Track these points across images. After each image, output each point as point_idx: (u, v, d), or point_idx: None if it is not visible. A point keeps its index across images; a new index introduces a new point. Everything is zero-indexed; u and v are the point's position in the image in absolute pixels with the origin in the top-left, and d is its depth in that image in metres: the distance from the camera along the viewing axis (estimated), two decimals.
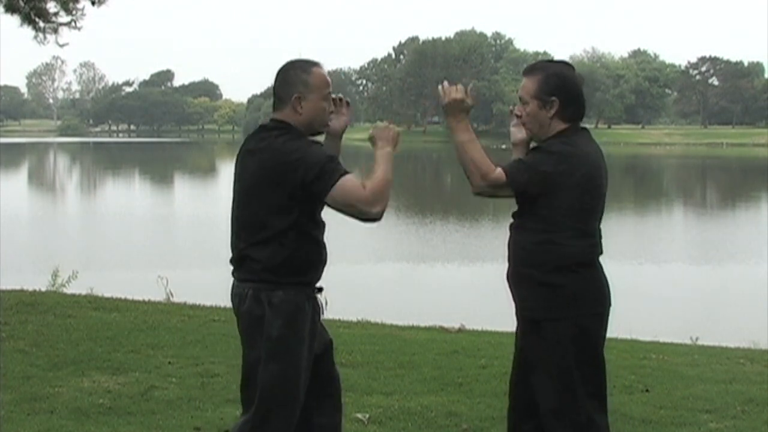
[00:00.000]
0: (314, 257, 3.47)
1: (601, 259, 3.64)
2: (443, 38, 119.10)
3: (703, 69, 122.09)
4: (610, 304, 3.64)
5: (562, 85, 3.56)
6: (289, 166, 3.33)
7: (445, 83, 3.63)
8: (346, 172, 3.34)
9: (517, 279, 3.63)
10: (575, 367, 3.53)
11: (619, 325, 9.30)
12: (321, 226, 3.51)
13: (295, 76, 3.47)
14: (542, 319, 3.56)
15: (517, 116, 3.71)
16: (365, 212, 3.34)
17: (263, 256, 3.40)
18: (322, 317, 3.59)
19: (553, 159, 3.50)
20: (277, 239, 3.38)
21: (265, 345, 3.38)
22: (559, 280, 3.51)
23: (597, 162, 3.59)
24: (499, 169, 3.52)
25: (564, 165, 3.48)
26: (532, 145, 3.75)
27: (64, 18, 9.91)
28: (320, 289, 3.55)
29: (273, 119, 3.51)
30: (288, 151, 3.36)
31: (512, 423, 3.77)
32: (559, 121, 3.58)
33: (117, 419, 5.07)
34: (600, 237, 3.65)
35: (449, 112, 3.60)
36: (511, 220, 3.70)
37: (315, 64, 3.52)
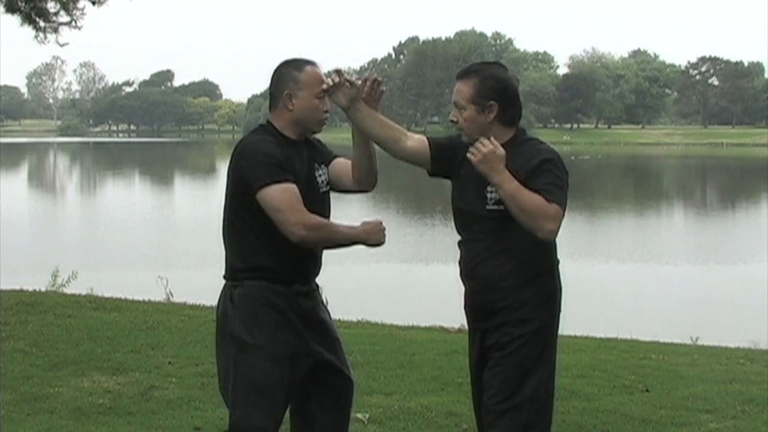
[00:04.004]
0: (281, 255, 3.39)
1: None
2: (443, 38, 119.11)
3: (703, 69, 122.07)
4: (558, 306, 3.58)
5: (500, 89, 3.44)
6: (239, 163, 3.39)
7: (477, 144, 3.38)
8: (286, 181, 3.29)
9: None
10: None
11: (619, 325, 9.42)
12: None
13: (287, 74, 3.46)
14: (474, 329, 3.59)
15: (452, 122, 3.55)
16: (285, 225, 3.28)
17: (229, 255, 3.48)
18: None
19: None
20: (239, 237, 3.44)
21: (230, 341, 3.44)
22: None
23: None
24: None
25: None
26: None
27: (64, 17, 9.93)
28: (307, 290, 3.49)
29: (267, 121, 3.52)
30: (244, 149, 3.41)
31: (477, 405, 3.72)
32: (499, 124, 3.46)
33: (117, 419, 5.07)
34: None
35: (487, 167, 3.35)
36: None
37: (309, 63, 3.48)
